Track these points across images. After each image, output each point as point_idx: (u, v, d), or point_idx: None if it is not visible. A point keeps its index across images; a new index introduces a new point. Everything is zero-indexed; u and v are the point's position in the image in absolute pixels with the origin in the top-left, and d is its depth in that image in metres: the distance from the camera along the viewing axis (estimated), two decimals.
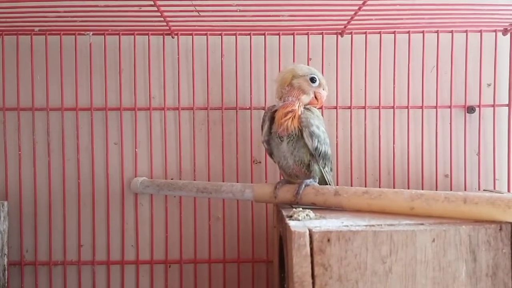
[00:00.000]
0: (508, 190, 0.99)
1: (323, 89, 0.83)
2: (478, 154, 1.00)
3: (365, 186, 0.99)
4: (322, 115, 0.90)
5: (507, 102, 1.00)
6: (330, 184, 0.84)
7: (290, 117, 0.80)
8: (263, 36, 0.98)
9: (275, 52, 0.99)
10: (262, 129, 0.85)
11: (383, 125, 1.00)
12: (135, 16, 0.89)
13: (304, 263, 0.59)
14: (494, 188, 1.00)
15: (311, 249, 0.60)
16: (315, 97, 0.83)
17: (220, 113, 1.00)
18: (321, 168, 0.82)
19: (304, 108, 0.81)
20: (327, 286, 0.60)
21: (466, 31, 0.98)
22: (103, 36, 0.98)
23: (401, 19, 0.91)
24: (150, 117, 1.00)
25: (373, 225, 0.63)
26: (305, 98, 0.82)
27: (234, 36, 0.99)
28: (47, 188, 0.99)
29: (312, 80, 0.81)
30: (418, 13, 0.89)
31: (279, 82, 0.84)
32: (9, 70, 0.99)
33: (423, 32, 0.98)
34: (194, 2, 0.84)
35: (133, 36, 0.98)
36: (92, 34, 0.99)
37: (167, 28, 0.95)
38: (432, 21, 0.94)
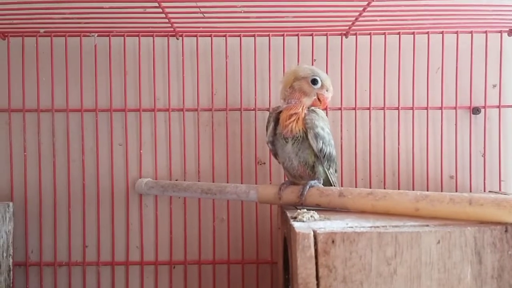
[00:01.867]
0: None
1: (326, 90, 0.82)
2: (484, 155, 1.00)
3: (370, 187, 0.98)
4: (326, 116, 0.89)
5: None
6: (334, 186, 0.83)
7: (294, 119, 0.80)
8: (268, 37, 0.98)
9: (280, 53, 0.99)
10: (267, 130, 0.85)
11: (387, 126, 1.00)
12: (140, 18, 0.89)
13: (308, 265, 0.59)
14: (500, 189, 1.00)
15: (316, 250, 0.60)
16: (318, 98, 0.82)
17: (224, 114, 1.00)
18: (326, 170, 0.82)
19: (309, 109, 0.81)
20: (332, 287, 0.59)
21: (471, 32, 0.98)
22: (108, 37, 0.99)
23: (406, 20, 0.91)
24: (155, 118, 1.00)
25: (377, 227, 0.62)
26: (307, 100, 0.81)
27: (239, 37, 0.99)
28: (52, 189, 1.00)
29: (314, 82, 0.80)
30: (423, 14, 0.88)
31: (283, 83, 0.84)
32: (15, 72, 0.99)
33: (428, 33, 0.98)
34: (199, 4, 0.84)
35: (138, 37, 0.99)
36: (97, 36, 0.99)
37: (172, 29, 0.95)
38: (437, 22, 0.94)
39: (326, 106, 0.90)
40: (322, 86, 0.81)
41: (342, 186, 0.98)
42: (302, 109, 0.80)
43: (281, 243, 0.83)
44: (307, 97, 0.81)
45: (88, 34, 0.98)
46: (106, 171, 1.00)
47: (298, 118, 0.80)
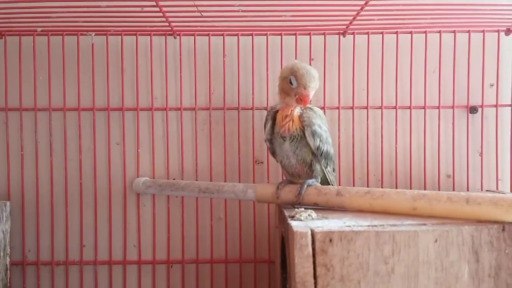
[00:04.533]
0: (511, 191, 0.99)
1: (304, 88, 0.78)
2: (481, 154, 1.00)
3: (367, 187, 0.98)
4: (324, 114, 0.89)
5: (509, 102, 1.00)
6: (332, 184, 0.83)
7: (289, 120, 0.80)
8: (265, 36, 0.98)
9: (277, 52, 0.99)
10: (264, 128, 0.85)
11: (385, 126, 1.00)
12: (137, 17, 0.89)
13: (306, 264, 0.59)
14: (497, 188, 1.00)
15: (313, 249, 0.60)
16: (299, 97, 0.78)
17: (222, 113, 1.00)
18: (323, 168, 0.82)
19: (306, 107, 0.81)
20: (329, 286, 0.59)
21: (468, 31, 0.98)
22: (106, 36, 0.98)
23: (404, 19, 0.91)
24: (152, 117, 1.00)
25: (375, 226, 0.62)
26: (290, 100, 0.80)
27: (236, 37, 0.99)
28: (49, 188, 0.99)
29: (290, 82, 0.78)
30: (420, 13, 0.89)
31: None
32: (12, 71, 0.99)
33: (425, 32, 0.98)
34: (196, 3, 0.84)
35: (135, 36, 0.98)
36: (95, 35, 0.99)
37: (169, 28, 0.95)
38: (435, 21, 0.94)
39: (323, 107, 0.90)
40: (299, 85, 0.78)
41: (339, 185, 0.98)
42: (291, 110, 0.80)
43: (279, 242, 0.83)
44: (289, 97, 0.80)
45: (86, 33, 0.98)
46: (104, 170, 1.00)
47: (292, 119, 0.79)
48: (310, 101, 0.82)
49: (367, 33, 0.98)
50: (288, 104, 0.80)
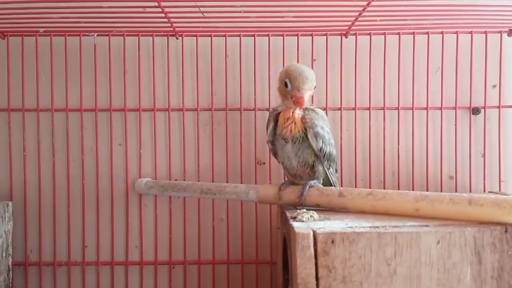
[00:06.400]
0: None
1: (298, 91, 0.77)
2: (483, 155, 1.00)
3: (370, 188, 0.98)
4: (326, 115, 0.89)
5: None
6: (335, 185, 0.83)
7: (291, 122, 0.79)
8: (267, 37, 0.98)
9: (279, 53, 0.99)
10: (267, 129, 0.85)
11: (387, 126, 1.00)
12: (140, 17, 0.89)
13: (308, 265, 0.59)
14: (500, 189, 0.99)
15: (315, 250, 0.60)
16: (295, 100, 0.78)
17: (224, 114, 1.00)
18: (326, 169, 0.82)
19: (308, 108, 0.81)
20: (331, 287, 0.59)
21: (471, 32, 0.98)
22: (108, 37, 0.99)
23: (406, 20, 0.91)
24: (155, 118, 1.00)
25: (377, 227, 0.62)
26: (288, 103, 0.80)
27: (238, 37, 0.99)
28: (52, 188, 0.99)
29: (285, 85, 0.78)
30: (422, 14, 0.88)
31: None
32: (14, 71, 0.99)
33: (427, 33, 0.98)
34: (199, 3, 0.84)
35: (137, 37, 0.99)
36: (97, 35, 0.99)
37: (172, 29, 0.95)
38: (437, 22, 0.94)
39: (325, 108, 0.90)
40: (293, 87, 0.78)
41: (341, 186, 0.98)
42: (293, 112, 0.80)
43: (281, 243, 0.83)
44: (286, 99, 0.80)
45: (88, 33, 0.98)
46: (106, 171, 1.00)
47: (294, 121, 0.79)
48: (312, 103, 0.82)
49: (369, 34, 0.98)
50: (289, 106, 0.80)
